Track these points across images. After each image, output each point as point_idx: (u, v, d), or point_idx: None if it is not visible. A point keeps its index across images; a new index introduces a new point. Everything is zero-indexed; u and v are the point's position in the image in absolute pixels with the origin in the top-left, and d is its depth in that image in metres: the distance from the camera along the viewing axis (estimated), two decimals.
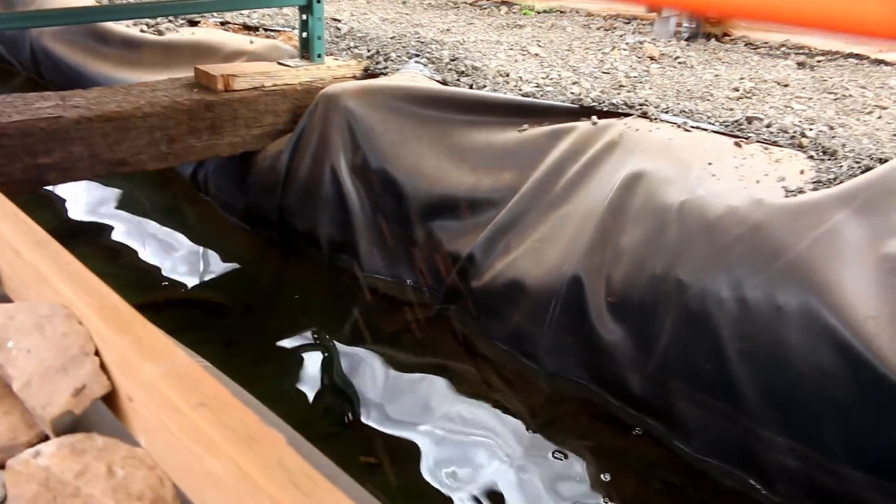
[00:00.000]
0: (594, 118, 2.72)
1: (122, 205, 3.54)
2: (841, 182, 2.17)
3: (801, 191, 2.17)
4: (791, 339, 1.98)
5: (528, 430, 2.23)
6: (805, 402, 1.97)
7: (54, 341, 1.03)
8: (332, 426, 2.23)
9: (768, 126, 2.61)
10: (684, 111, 2.75)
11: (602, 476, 2.09)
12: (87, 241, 3.19)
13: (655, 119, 2.67)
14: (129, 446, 0.96)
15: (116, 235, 3.25)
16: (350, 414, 2.26)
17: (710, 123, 2.63)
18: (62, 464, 0.90)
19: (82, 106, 2.73)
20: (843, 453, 1.94)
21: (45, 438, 1.02)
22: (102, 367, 1.02)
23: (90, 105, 2.75)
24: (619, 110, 2.76)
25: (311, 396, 2.36)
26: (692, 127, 2.60)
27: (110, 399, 1.03)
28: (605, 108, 2.78)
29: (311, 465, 0.79)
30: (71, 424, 1.01)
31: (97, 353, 1.04)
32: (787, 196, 2.15)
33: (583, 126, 2.69)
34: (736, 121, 2.64)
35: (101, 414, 1.06)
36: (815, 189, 2.17)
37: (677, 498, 2.06)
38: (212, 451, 0.82)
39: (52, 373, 1.00)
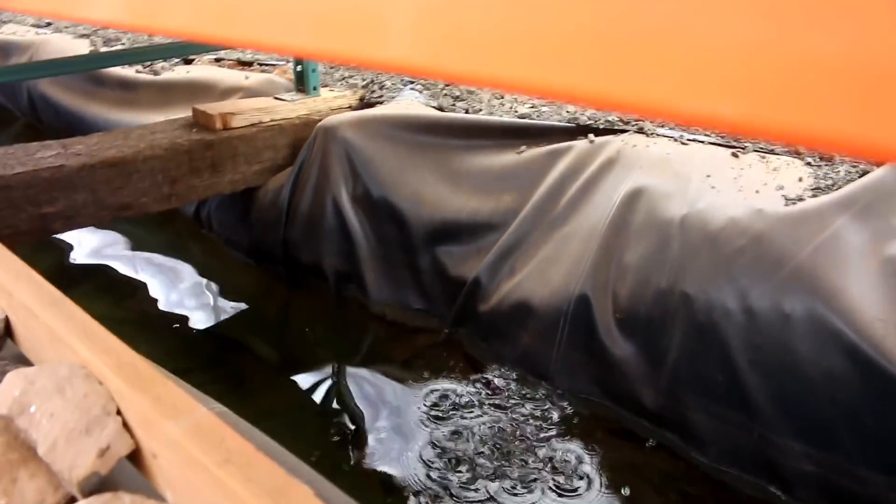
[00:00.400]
0: (591, 136, 2.74)
1: (126, 246, 3.56)
2: (839, 187, 2.19)
3: (800, 198, 2.18)
4: (800, 346, 1.99)
5: (544, 448, 2.24)
6: (818, 408, 1.98)
7: (76, 403, 1.05)
8: (349, 458, 2.24)
9: None
10: (680, 125, 2.78)
11: (622, 490, 2.10)
12: (93, 286, 3.20)
13: (652, 134, 2.69)
14: (156, 502, 0.98)
15: (122, 277, 3.27)
16: (367, 444, 2.27)
17: (706, 135, 2.65)
18: None
19: (84, 153, 2.76)
20: (859, 455, 1.94)
21: (73, 500, 1.04)
22: (125, 425, 1.04)
23: (91, 152, 2.77)
24: (616, 127, 2.79)
25: (325, 428, 2.37)
26: (689, 140, 2.62)
27: (134, 456, 1.05)
28: (602, 126, 2.81)
29: None
30: (97, 484, 1.02)
31: (119, 413, 1.05)
32: (786, 204, 2.17)
33: (580, 145, 2.71)
34: None
35: (125, 471, 1.08)
36: (814, 196, 2.19)
37: None
38: None
39: (75, 435, 1.02)
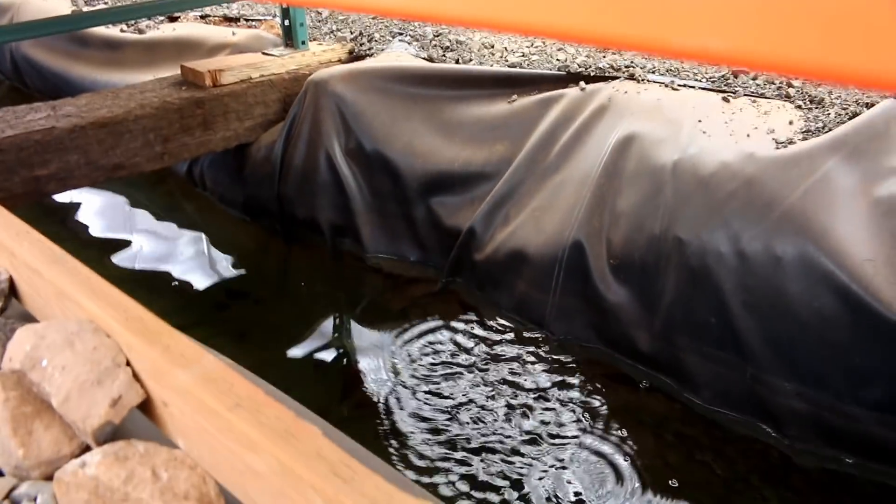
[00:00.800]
0: (582, 84, 2.74)
1: (122, 207, 3.56)
2: (830, 130, 2.20)
3: (791, 142, 2.20)
4: (791, 288, 2.02)
5: (542, 393, 2.28)
6: (809, 347, 2.02)
7: (86, 356, 1.07)
8: (351, 408, 2.28)
9: (755, 78, 2.64)
10: (671, 70, 2.78)
11: (619, 432, 2.15)
12: (89, 247, 3.22)
13: (643, 80, 2.69)
14: (168, 449, 1.01)
15: (118, 238, 3.28)
16: (367, 394, 2.31)
17: (696, 80, 2.66)
18: (109, 471, 0.95)
19: (74, 114, 2.75)
20: (848, 393, 1.99)
21: (87, 449, 1.07)
22: (135, 376, 1.07)
23: (82, 113, 2.76)
24: (607, 74, 2.79)
25: (326, 380, 2.41)
26: (680, 85, 2.63)
27: (145, 406, 1.08)
28: (593, 73, 2.81)
29: (347, 452, 0.84)
30: (111, 434, 1.05)
31: (128, 364, 1.08)
32: (777, 148, 2.19)
33: (571, 92, 2.71)
34: (722, 76, 2.67)
35: (137, 421, 1.11)
36: (804, 139, 2.20)
37: (692, 448, 2.12)
38: (251, 448, 0.87)
39: (87, 386, 1.05)
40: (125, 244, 3.23)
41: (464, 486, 1.98)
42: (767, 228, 2.07)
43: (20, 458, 1.06)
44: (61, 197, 3.58)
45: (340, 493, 0.76)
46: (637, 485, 1.98)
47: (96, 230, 3.37)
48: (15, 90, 5.23)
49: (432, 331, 2.58)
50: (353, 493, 0.76)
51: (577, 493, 1.95)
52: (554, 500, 1.94)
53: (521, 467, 2.03)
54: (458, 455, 2.08)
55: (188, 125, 2.99)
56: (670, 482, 1.98)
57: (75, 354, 1.07)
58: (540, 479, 2.00)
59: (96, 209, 3.55)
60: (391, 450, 2.09)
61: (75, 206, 3.56)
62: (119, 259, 3.09)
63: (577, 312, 2.45)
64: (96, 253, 3.11)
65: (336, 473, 0.78)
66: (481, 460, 2.06)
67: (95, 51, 4.39)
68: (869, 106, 2.29)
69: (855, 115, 2.25)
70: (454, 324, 2.60)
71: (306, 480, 0.79)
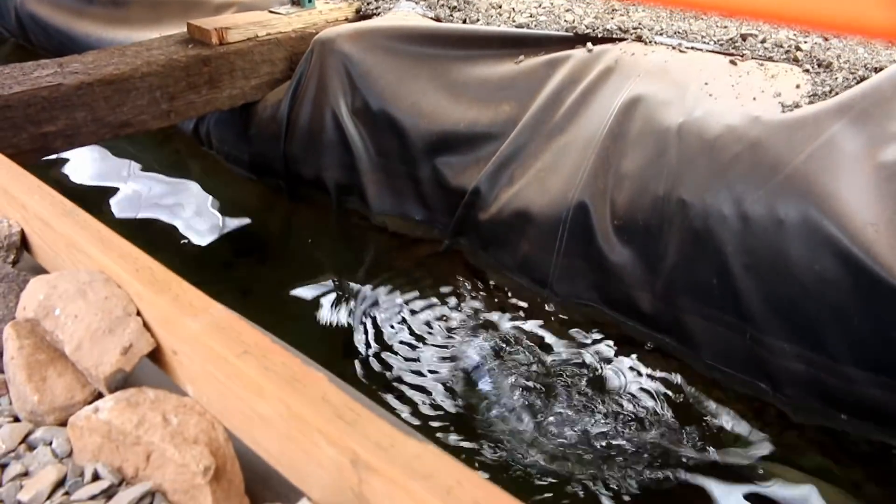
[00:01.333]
0: (589, 45, 2.73)
1: (128, 165, 3.58)
2: (836, 94, 2.20)
3: (797, 105, 2.20)
4: (793, 250, 2.04)
5: (543, 352, 2.32)
6: (809, 310, 2.05)
7: (98, 305, 1.10)
8: (353, 365, 2.32)
9: (763, 42, 2.62)
10: (678, 32, 2.76)
11: (620, 390, 2.19)
12: (97, 205, 3.24)
13: (650, 42, 2.68)
14: (178, 396, 1.04)
15: (125, 197, 3.31)
16: (370, 351, 2.35)
17: (704, 43, 2.64)
18: (121, 416, 0.98)
19: (81, 71, 2.75)
20: (846, 355, 2.02)
21: (99, 396, 1.10)
22: (145, 325, 1.10)
23: (88, 70, 2.77)
24: (614, 35, 2.78)
25: (330, 337, 2.45)
26: (687, 48, 2.62)
27: (155, 355, 1.11)
28: (600, 35, 2.80)
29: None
30: (122, 381, 1.08)
31: (139, 314, 1.11)
32: (783, 111, 2.19)
33: (578, 54, 2.70)
34: (730, 38, 2.66)
35: (147, 369, 1.14)
36: (811, 102, 2.20)
37: (692, 405, 2.15)
38: (259, 393, 0.90)
39: (99, 335, 1.08)
40: (131, 202, 3.25)
41: (458, 439, 2.02)
42: (771, 191, 2.08)
43: (35, 403, 1.09)
44: (69, 155, 3.59)
45: (345, 435, 0.79)
46: (632, 438, 2.02)
47: (103, 188, 3.39)
48: (20, 48, 5.22)
49: (436, 289, 2.61)
50: (356, 435, 0.78)
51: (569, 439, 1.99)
52: (550, 454, 1.98)
53: (520, 420, 2.07)
54: (456, 410, 2.12)
55: (194, 83, 3.00)
56: (663, 438, 2.02)
57: (87, 303, 1.10)
58: (537, 434, 2.04)
59: (102, 167, 3.56)
60: (393, 404, 2.13)
61: (82, 164, 3.57)
62: (125, 216, 3.12)
63: (580, 273, 2.47)
64: (102, 210, 3.14)
65: (341, 417, 0.81)
66: (483, 419, 2.09)
67: (101, 8, 4.38)
68: (877, 70, 2.28)
69: (863, 79, 2.24)
70: (458, 283, 2.63)
71: (312, 424, 0.82)
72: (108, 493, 0.98)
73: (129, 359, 1.07)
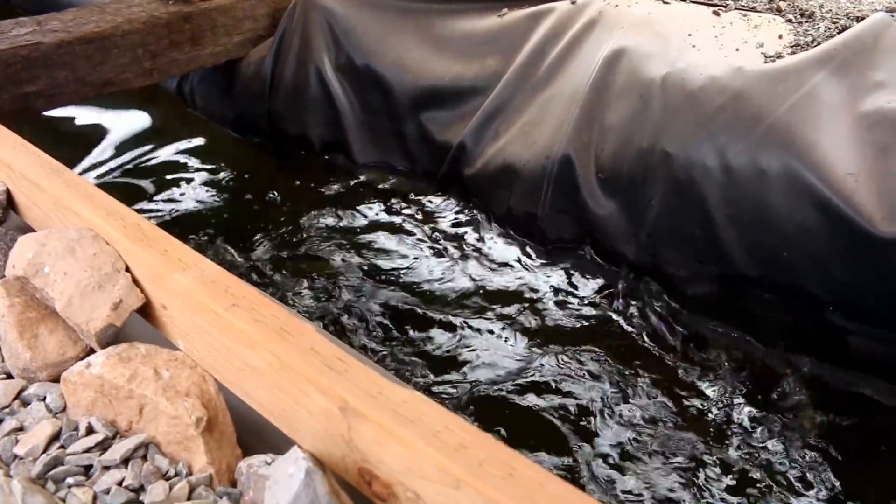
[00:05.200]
0: None
1: (112, 124, 3.55)
2: (818, 44, 2.20)
3: (779, 56, 2.21)
4: (775, 201, 2.07)
5: (532, 303, 2.35)
6: (790, 259, 2.08)
7: (87, 262, 1.11)
8: (348, 318, 2.34)
9: None
10: None
11: (605, 339, 2.22)
12: (80, 165, 3.22)
13: None
14: (169, 350, 1.06)
15: (109, 156, 3.28)
16: (363, 304, 2.37)
17: None
18: (113, 371, 1.00)
19: (60, 30, 2.71)
20: (826, 301, 2.06)
21: (91, 352, 1.12)
22: (135, 281, 1.11)
23: (68, 28, 2.73)
24: None
25: (323, 292, 2.46)
26: None
27: (145, 310, 1.12)
28: None
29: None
30: (113, 336, 1.10)
31: (128, 270, 1.12)
32: (766, 62, 2.19)
33: (562, 6, 2.69)
34: None
35: (138, 325, 1.16)
36: (793, 53, 2.21)
37: (677, 353, 2.19)
38: (248, 345, 0.92)
39: (89, 291, 1.09)
40: (115, 162, 3.23)
41: (442, 384, 2.06)
42: (753, 142, 2.10)
43: (28, 360, 1.11)
44: (51, 114, 3.55)
45: (334, 383, 0.81)
46: (612, 385, 2.06)
47: (86, 148, 3.37)
48: None
49: (423, 242, 2.62)
50: (345, 384, 0.81)
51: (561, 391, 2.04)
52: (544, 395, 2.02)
53: (508, 366, 2.11)
54: (444, 354, 2.15)
55: (177, 40, 2.97)
56: (641, 382, 2.07)
57: (76, 260, 1.11)
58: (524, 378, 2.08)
59: (86, 126, 3.53)
60: (383, 353, 2.17)
61: (65, 124, 3.54)
62: (109, 176, 3.10)
63: (565, 226, 2.49)
64: (85, 170, 3.12)
65: (330, 366, 0.83)
66: (469, 363, 2.13)
67: None
68: (859, 20, 2.28)
69: (844, 28, 2.25)
70: (446, 235, 2.65)
71: (301, 373, 0.84)
72: (103, 445, 1.01)
73: (120, 314, 1.08)
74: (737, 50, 2.27)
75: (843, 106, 2.07)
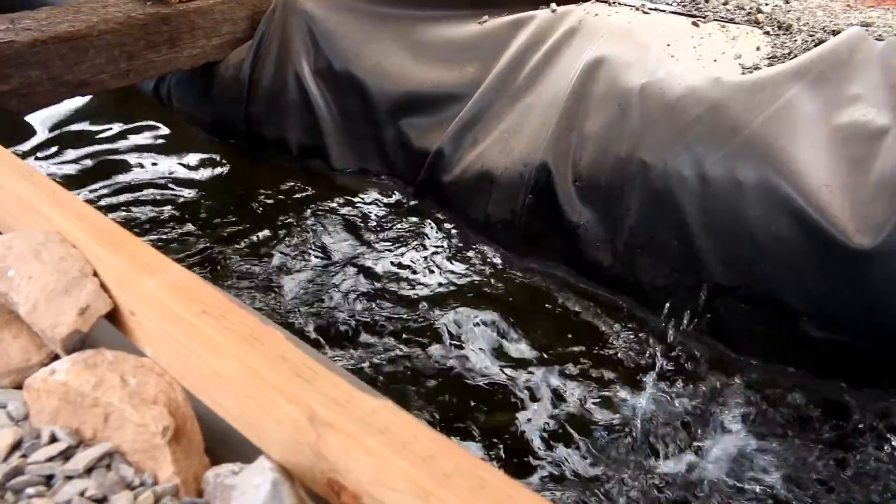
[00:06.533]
0: (553, 5, 2.73)
1: (86, 126, 3.51)
2: (796, 56, 2.22)
3: (757, 67, 2.22)
4: (751, 211, 2.08)
5: (508, 312, 2.34)
6: (765, 270, 2.09)
7: (53, 266, 1.09)
8: (316, 326, 2.32)
9: (725, 3, 2.64)
10: None
11: (583, 349, 2.22)
12: (57, 168, 3.18)
13: (614, 3, 2.68)
14: (136, 357, 1.04)
15: (82, 158, 3.24)
16: (333, 310, 2.35)
17: (667, 4, 2.65)
18: (79, 378, 0.97)
19: (34, 28, 2.68)
20: (801, 311, 2.07)
21: (56, 358, 1.09)
22: (103, 286, 1.09)
23: (42, 27, 2.69)
24: None
25: (297, 297, 2.44)
26: (650, 9, 2.62)
27: (113, 315, 1.10)
28: None
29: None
30: (79, 342, 1.08)
31: (96, 274, 1.10)
32: (743, 73, 2.21)
33: (542, 14, 2.70)
34: (693, 0, 2.67)
35: (106, 331, 1.13)
36: (770, 65, 2.23)
37: (652, 365, 2.19)
38: (217, 352, 0.90)
39: (55, 296, 1.07)
40: (85, 164, 3.19)
41: (419, 400, 2.05)
42: (730, 153, 2.11)
43: None
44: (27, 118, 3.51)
45: (302, 392, 0.79)
46: (592, 390, 2.06)
47: (62, 149, 3.32)
48: None
49: (400, 249, 2.61)
50: (314, 393, 0.79)
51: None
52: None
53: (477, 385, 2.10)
54: (416, 366, 2.14)
55: (154, 42, 2.94)
56: (618, 391, 2.07)
57: (42, 264, 1.09)
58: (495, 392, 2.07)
59: (59, 128, 3.49)
60: (353, 361, 2.15)
61: (38, 125, 3.50)
62: (84, 179, 3.06)
63: (542, 234, 2.49)
64: (57, 172, 3.08)
65: (298, 374, 0.82)
66: (439, 378, 2.12)
67: None
68: (835, 33, 2.30)
69: (821, 41, 2.27)
70: (422, 243, 2.64)
71: (269, 381, 0.83)
72: (66, 454, 0.98)
73: (87, 319, 1.06)
74: (715, 61, 2.29)
75: (818, 118, 2.08)
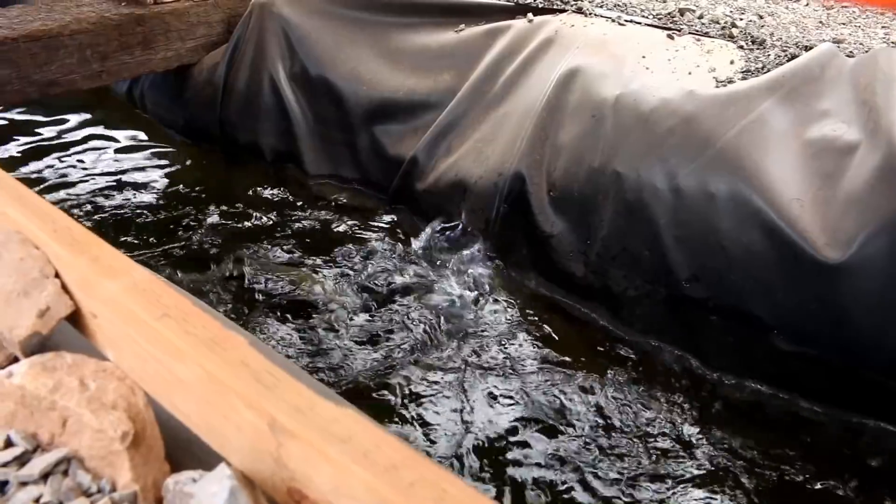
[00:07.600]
0: (530, 15, 2.73)
1: (59, 128, 3.46)
2: (768, 70, 2.24)
3: (730, 81, 2.24)
4: (722, 224, 2.09)
5: (481, 321, 2.33)
6: (736, 282, 2.09)
7: (13, 266, 1.06)
8: (289, 329, 2.30)
9: (700, 17, 2.66)
10: (618, 4, 2.78)
11: (555, 358, 2.21)
12: (22, 167, 3.13)
13: (590, 14, 2.69)
14: (97, 360, 1.01)
15: (57, 161, 3.20)
16: (306, 314, 2.33)
17: (643, 17, 2.67)
18: (36, 381, 0.95)
19: (5, 26, 2.64)
20: (771, 324, 2.07)
21: (15, 360, 1.07)
22: (64, 287, 1.06)
23: (13, 25, 2.66)
24: (555, 6, 2.78)
25: (266, 301, 2.42)
26: (626, 21, 2.63)
27: (74, 318, 1.08)
28: (541, 5, 2.79)
29: (272, 362, 0.86)
30: (39, 345, 1.05)
31: (57, 276, 1.07)
32: (717, 86, 2.22)
33: (519, 24, 2.70)
34: (669, 13, 2.69)
35: (67, 333, 1.11)
36: (744, 78, 2.24)
37: (625, 376, 2.19)
38: (178, 357, 0.88)
39: (14, 297, 1.04)
40: (63, 167, 3.15)
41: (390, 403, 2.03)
42: (703, 165, 2.12)
43: None
44: None
45: (263, 398, 0.78)
46: (568, 404, 2.05)
47: (28, 150, 3.27)
48: None
49: (372, 256, 2.59)
50: (274, 399, 0.78)
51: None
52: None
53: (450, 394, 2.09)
54: (391, 380, 2.12)
55: (128, 43, 2.91)
56: (595, 400, 2.06)
57: (1, 265, 1.06)
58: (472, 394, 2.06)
59: (22, 126, 3.44)
60: (319, 367, 2.13)
61: (8, 125, 3.45)
62: (54, 181, 3.02)
63: (515, 243, 2.49)
64: (25, 172, 3.03)
65: (259, 380, 0.80)
66: (409, 387, 2.11)
67: None
68: (807, 49, 2.33)
69: (793, 57, 2.29)
70: (394, 250, 2.62)
71: (230, 387, 0.81)
72: (22, 459, 0.95)
73: (46, 322, 1.04)
74: (689, 73, 2.30)
75: (789, 132, 2.10)
